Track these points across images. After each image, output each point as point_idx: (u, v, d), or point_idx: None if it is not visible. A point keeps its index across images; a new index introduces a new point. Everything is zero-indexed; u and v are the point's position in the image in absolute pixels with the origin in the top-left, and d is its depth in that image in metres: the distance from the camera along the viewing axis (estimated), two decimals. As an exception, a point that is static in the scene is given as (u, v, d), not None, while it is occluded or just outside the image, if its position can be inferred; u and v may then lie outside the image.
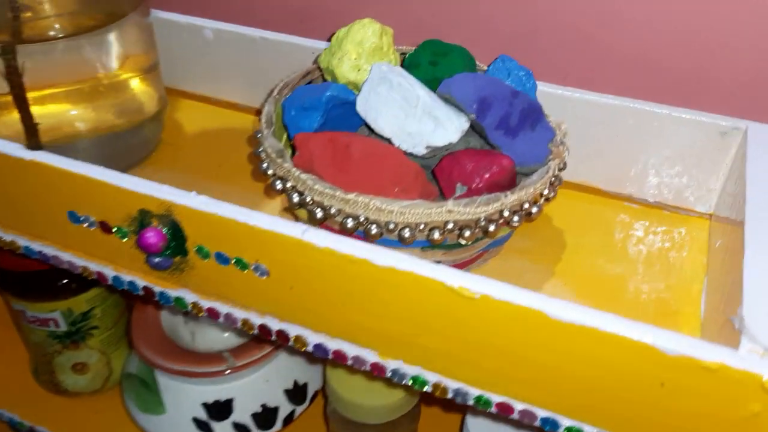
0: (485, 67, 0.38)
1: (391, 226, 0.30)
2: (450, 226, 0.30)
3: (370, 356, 0.31)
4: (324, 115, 0.33)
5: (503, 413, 0.29)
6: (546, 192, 0.32)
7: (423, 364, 0.30)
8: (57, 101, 0.41)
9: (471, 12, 0.46)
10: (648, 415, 0.25)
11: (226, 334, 0.50)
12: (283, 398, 0.47)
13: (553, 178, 0.33)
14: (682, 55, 0.42)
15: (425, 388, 0.30)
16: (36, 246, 0.38)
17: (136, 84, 0.44)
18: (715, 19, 0.40)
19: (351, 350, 0.31)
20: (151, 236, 0.31)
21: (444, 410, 0.52)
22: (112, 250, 0.35)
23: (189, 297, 0.35)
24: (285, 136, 0.36)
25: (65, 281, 0.48)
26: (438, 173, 0.32)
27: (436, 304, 0.27)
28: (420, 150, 0.32)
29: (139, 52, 0.43)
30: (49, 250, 0.38)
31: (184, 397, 0.45)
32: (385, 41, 0.34)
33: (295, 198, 0.31)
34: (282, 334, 0.33)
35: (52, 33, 0.40)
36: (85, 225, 0.34)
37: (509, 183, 0.31)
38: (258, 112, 0.50)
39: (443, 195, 0.32)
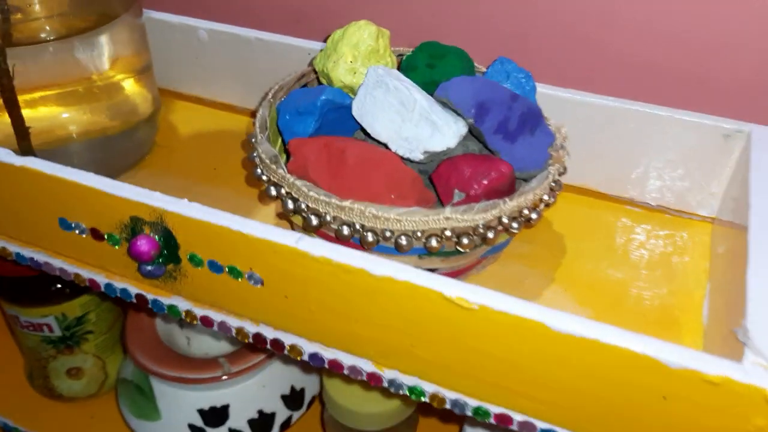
0: (484, 69, 0.37)
1: (388, 234, 0.29)
2: (448, 233, 0.29)
3: (367, 366, 0.31)
4: (319, 120, 0.32)
5: (502, 424, 0.29)
6: (546, 198, 0.32)
7: (420, 374, 0.29)
8: (48, 104, 0.40)
9: (470, 12, 0.46)
10: (649, 428, 0.25)
11: (222, 340, 0.49)
12: (280, 404, 0.47)
13: (552, 184, 0.32)
14: (684, 56, 0.41)
15: (423, 399, 0.30)
16: (27, 252, 0.37)
17: (129, 85, 0.43)
18: (717, 20, 0.40)
19: (347, 360, 0.31)
20: (143, 244, 0.31)
21: (442, 420, 0.51)
22: (104, 257, 0.34)
23: (182, 305, 0.34)
24: (280, 140, 0.35)
25: (59, 286, 0.47)
26: (435, 179, 0.31)
27: (433, 315, 0.27)
28: (417, 155, 0.31)
29: (131, 54, 0.42)
30: (41, 257, 0.37)
31: (180, 403, 0.45)
32: (381, 43, 0.34)
33: (290, 205, 0.31)
34: (277, 343, 0.32)
35: (42, 35, 0.39)
36: (77, 232, 0.34)
37: (508, 189, 0.31)
38: (253, 114, 0.49)
39: (441, 201, 0.32)
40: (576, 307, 0.34)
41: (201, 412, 0.45)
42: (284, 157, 0.36)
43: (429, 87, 0.33)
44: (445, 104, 0.32)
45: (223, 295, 0.32)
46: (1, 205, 0.36)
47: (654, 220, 0.40)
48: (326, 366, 0.32)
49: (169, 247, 0.31)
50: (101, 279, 0.36)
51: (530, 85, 0.35)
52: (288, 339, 0.32)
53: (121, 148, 0.44)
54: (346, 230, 0.30)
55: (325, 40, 0.36)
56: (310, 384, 0.49)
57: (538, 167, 0.32)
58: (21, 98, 0.37)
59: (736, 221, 0.34)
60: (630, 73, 0.43)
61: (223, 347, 0.48)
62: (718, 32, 0.40)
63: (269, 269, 0.29)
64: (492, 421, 0.29)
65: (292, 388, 0.47)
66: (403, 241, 0.29)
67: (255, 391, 0.46)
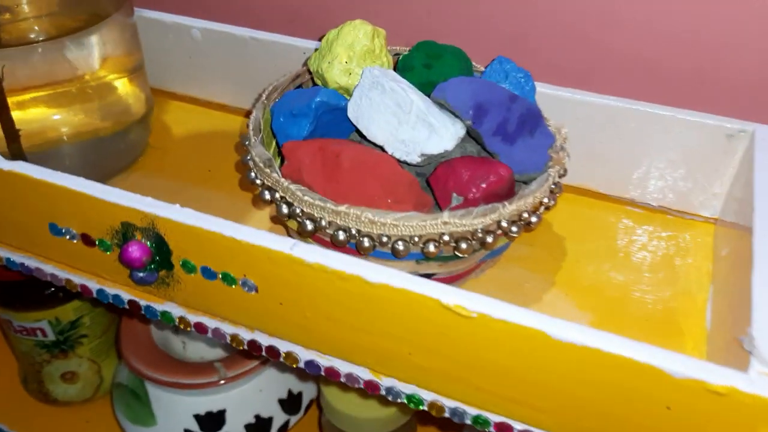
0: (482, 69, 0.36)
1: (384, 239, 0.29)
2: (446, 238, 0.29)
3: (364, 374, 0.30)
4: (313, 122, 0.31)
5: (502, 433, 0.28)
6: (546, 200, 0.31)
7: (419, 382, 0.29)
8: (39, 106, 0.39)
9: (468, 10, 0.45)
10: (653, 438, 0.24)
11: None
12: (277, 408, 0.46)
13: (553, 186, 0.31)
14: (686, 55, 0.41)
15: (421, 407, 0.29)
16: (18, 258, 0.37)
17: (121, 86, 0.42)
18: (720, 17, 0.39)
19: (344, 367, 0.30)
20: (134, 250, 0.30)
21: (440, 427, 0.50)
22: (96, 262, 0.34)
23: (176, 311, 0.33)
24: (274, 142, 0.34)
25: (52, 290, 0.47)
26: (433, 182, 0.31)
27: (431, 323, 0.26)
28: (414, 158, 0.31)
29: (122, 54, 0.42)
30: (32, 262, 0.36)
31: (176, 409, 0.44)
32: (377, 43, 0.33)
33: (284, 209, 0.30)
34: (272, 350, 0.32)
35: (32, 35, 0.38)
36: (67, 237, 0.33)
37: (507, 192, 0.30)
38: (248, 114, 0.48)
39: (438, 205, 0.31)
40: (577, 312, 0.34)
41: (197, 417, 0.44)
42: (278, 160, 0.35)
43: (426, 88, 0.32)
44: (442, 106, 0.31)
45: (217, 301, 0.31)
46: (-10, 210, 0.35)
47: (656, 221, 0.39)
48: (323, 374, 0.31)
49: (161, 253, 0.31)
50: (93, 285, 0.35)
51: (529, 85, 0.34)
52: (284, 346, 0.31)
53: (114, 150, 0.43)
54: (341, 235, 0.29)
55: (320, 40, 0.36)
56: (307, 388, 0.48)
57: (538, 169, 0.31)
58: (10, 100, 0.36)
59: (739, 223, 0.33)
60: (631, 71, 0.42)
61: (219, 351, 0.48)
62: (720, 30, 0.39)
63: (263, 276, 0.29)
64: (492, 430, 0.28)
65: (290, 392, 0.47)
66: (400, 246, 0.29)
67: (252, 395, 0.45)
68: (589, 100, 0.38)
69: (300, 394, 0.48)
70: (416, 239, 0.29)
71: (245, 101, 0.48)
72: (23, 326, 0.48)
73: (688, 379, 0.22)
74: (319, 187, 0.30)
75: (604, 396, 0.24)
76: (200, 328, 0.33)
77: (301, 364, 0.31)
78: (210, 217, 0.29)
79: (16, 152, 0.38)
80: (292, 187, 0.30)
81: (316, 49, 0.36)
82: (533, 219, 0.30)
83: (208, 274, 0.30)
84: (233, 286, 0.30)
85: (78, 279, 0.35)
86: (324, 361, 0.31)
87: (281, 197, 0.30)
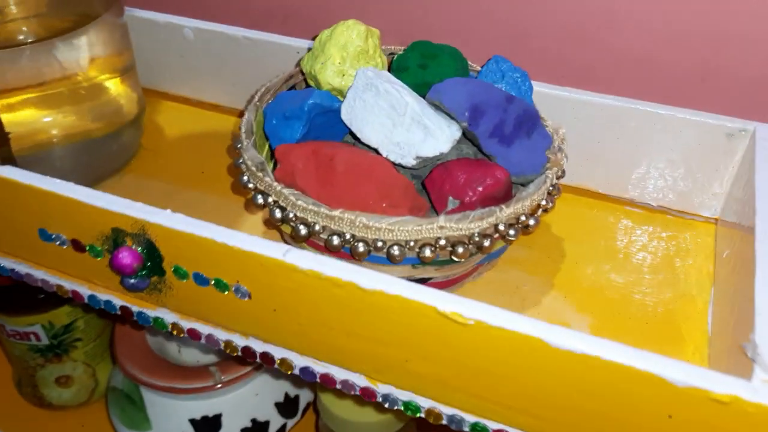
0: (478, 68, 0.36)
1: (380, 244, 0.28)
2: (442, 242, 0.28)
3: (360, 381, 0.30)
4: (306, 125, 0.31)
5: (500, 441, 0.27)
6: (544, 203, 0.31)
7: (416, 389, 0.28)
8: (28, 108, 0.39)
9: (464, 8, 0.44)
10: (654, 447, 0.24)
11: (214, 346, 0.48)
12: (274, 412, 0.46)
13: (551, 188, 0.31)
14: (686, 53, 0.40)
15: (418, 415, 0.29)
16: (8, 263, 0.36)
17: (112, 86, 0.42)
18: (719, 14, 0.38)
19: (339, 374, 0.30)
20: (125, 257, 0.29)
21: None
22: (87, 268, 0.33)
23: (168, 317, 0.33)
24: (267, 145, 0.34)
25: (45, 294, 0.46)
26: (429, 185, 0.30)
27: (427, 330, 0.25)
28: (409, 161, 0.30)
29: (113, 54, 0.41)
30: (22, 268, 0.36)
31: (171, 413, 0.44)
32: (370, 44, 0.32)
33: (278, 214, 0.30)
34: (266, 357, 0.31)
35: (20, 37, 0.37)
36: (57, 243, 0.32)
37: (504, 195, 0.29)
38: (241, 114, 0.48)
39: (434, 208, 0.31)
40: (576, 315, 0.33)
41: (193, 421, 0.44)
42: (272, 163, 0.34)
43: (421, 89, 0.32)
44: (437, 107, 0.30)
45: (209, 308, 0.31)
46: (-21, 215, 0.35)
47: (656, 222, 0.39)
48: (318, 380, 0.31)
49: (152, 259, 0.30)
50: (84, 290, 0.34)
51: (526, 85, 0.33)
52: (278, 352, 0.31)
53: (106, 152, 0.43)
54: (336, 240, 0.29)
55: (314, 39, 0.35)
56: (304, 391, 0.48)
57: (535, 171, 0.31)
58: (-1, 103, 0.35)
59: (740, 224, 0.33)
60: (630, 70, 0.42)
61: (215, 355, 0.47)
62: (720, 28, 0.39)
63: (256, 282, 0.28)
64: (490, 437, 0.28)
65: (286, 396, 0.46)
66: (396, 251, 0.28)
67: (248, 399, 0.45)
68: (587, 100, 0.38)
69: (297, 398, 0.47)
70: (412, 244, 0.28)
71: (238, 101, 0.48)
72: (16, 330, 0.47)
73: (690, 387, 0.22)
74: (313, 191, 0.29)
75: (604, 404, 0.24)
76: (193, 335, 0.33)
77: (296, 371, 0.31)
78: (201, 223, 0.28)
79: (5, 156, 0.37)
80: (285, 191, 0.29)
81: (309, 49, 0.35)
82: (531, 222, 0.30)
83: (201, 280, 0.29)
84: (226, 293, 0.29)
85: (69, 285, 0.35)
86: (319, 367, 0.30)
87: (274, 201, 0.30)
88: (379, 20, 0.46)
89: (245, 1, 0.50)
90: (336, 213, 0.28)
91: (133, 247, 0.30)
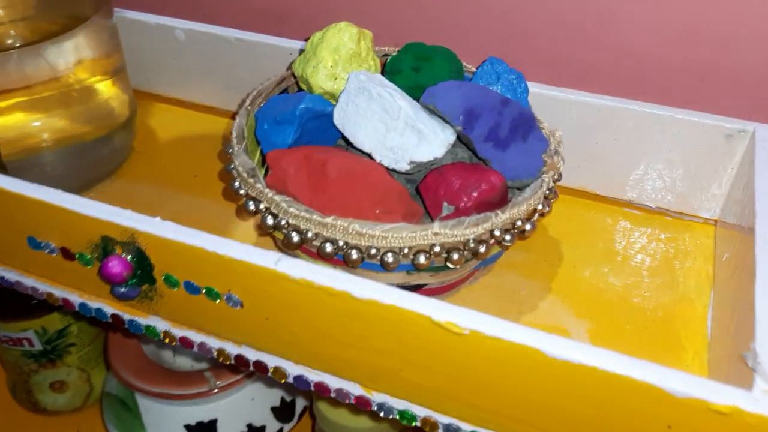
0: (474, 69, 0.35)
1: (373, 251, 0.28)
2: (437, 249, 0.28)
3: (355, 389, 0.29)
4: (298, 130, 0.30)
5: (497, 450, 0.27)
6: (540, 207, 0.30)
7: (411, 398, 0.28)
8: (17, 112, 0.38)
9: (458, 8, 0.43)
10: (654, 458, 0.23)
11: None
12: (270, 416, 0.45)
13: (547, 192, 0.30)
14: (684, 53, 0.39)
15: (414, 423, 0.28)
16: (-2, 271, 0.36)
17: (102, 89, 0.41)
18: (718, 14, 0.38)
19: (334, 382, 0.29)
20: (115, 265, 0.29)
21: None
22: (77, 276, 0.33)
23: (161, 325, 0.32)
24: (259, 150, 0.33)
25: (37, 299, 0.45)
26: (423, 190, 0.30)
27: (422, 339, 0.25)
28: (403, 166, 0.30)
29: (103, 57, 0.40)
30: (12, 275, 0.35)
31: (166, 419, 0.44)
32: (363, 46, 0.32)
33: (270, 221, 0.29)
34: (260, 365, 0.31)
35: (8, 41, 0.37)
36: (46, 251, 0.32)
37: (500, 201, 0.29)
38: (234, 116, 0.47)
39: (429, 214, 0.30)
40: (574, 320, 0.33)
41: (188, 427, 0.43)
42: (264, 168, 0.34)
43: (415, 91, 0.31)
44: (431, 111, 0.30)
45: (201, 316, 0.30)
46: (-33, 222, 0.34)
47: (654, 223, 0.38)
48: (312, 389, 0.30)
49: (142, 267, 0.29)
50: (75, 298, 0.34)
51: (522, 87, 0.33)
52: (272, 361, 0.30)
53: (97, 156, 0.42)
54: (329, 247, 0.28)
55: (307, 40, 0.34)
56: (300, 395, 0.48)
57: (531, 175, 0.30)
58: (-13, 107, 0.35)
59: (739, 226, 0.32)
60: (628, 70, 0.41)
61: (210, 360, 0.47)
62: (719, 27, 0.38)
63: (248, 291, 0.28)
64: (487, 446, 0.27)
65: (282, 400, 0.46)
66: (390, 258, 0.28)
67: (244, 404, 0.44)
68: (584, 100, 0.37)
69: (293, 402, 0.47)
70: (406, 251, 0.28)
71: (231, 103, 0.47)
72: (9, 336, 0.47)
73: (689, 398, 0.21)
74: (305, 198, 0.29)
75: (602, 414, 0.23)
76: (186, 343, 0.32)
77: (290, 380, 0.30)
78: (192, 231, 0.28)
79: (-6, 162, 0.37)
80: (277, 198, 0.29)
81: (301, 50, 0.35)
82: (527, 227, 0.29)
83: (192, 289, 0.29)
84: (217, 301, 0.29)
85: (59, 292, 0.34)
86: (313, 376, 0.30)
87: (266, 208, 0.29)
88: (373, 19, 0.45)
89: (237, 1, 0.50)
90: (328, 220, 0.27)
91: (123, 255, 0.29)
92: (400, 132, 0.29)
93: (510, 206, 0.28)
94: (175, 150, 0.45)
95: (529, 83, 0.35)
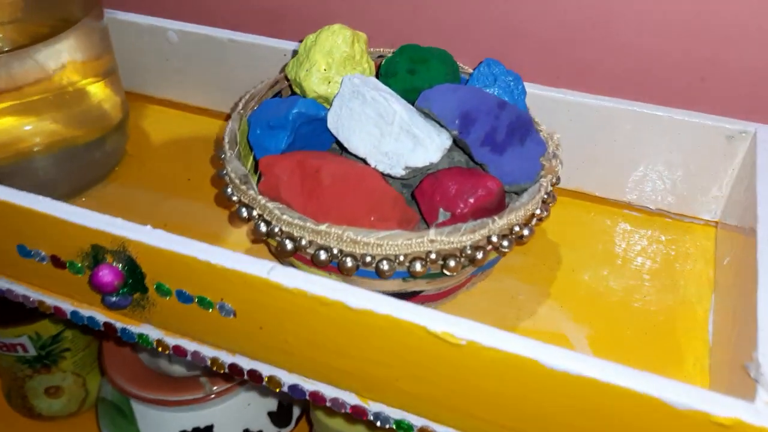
0: (470, 70, 0.35)
1: (368, 259, 0.27)
2: (433, 256, 0.27)
3: (350, 399, 0.29)
4: (291, 135, 0.30)
5: (495, 461, 0.27)
6: (538, 212, 0.30)
7: (408, 407, 0.28)
8: (8, 116, 0.38)
9: (455, 8, 0.43)
10: (654, 470, 0.23)
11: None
12: (267, 421, 0.45)
13: (545, 196, 0.30)
14: (684, 52, 0.39)
15: (410, 433, 0.28)
16: (-12, 278, 0.35)
17: (93, 91, 0.40)
18: (719, 12, 0.37)
19: (329, 392, 0.29)
20: (105, 275, 0.28)
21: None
22: (68, 284, 0.32)
23: (153, 334, 0.32)
24: (252, 155, 0.33)
25: (31, 305, 0.45)
26: (419, 196, 0.29)
27: (418, 349, 0.24)
28: (398, 171, 0.29)
29: (94, 59, 0.40)
30: (2, 283, 0.35)
31: (162, 425, 0.43)
32: (357, 49, 0.31)
33: (263, 228, 0.29)
34: (254, 374, 0.30)
35: (-2, 44, 0.36)
36: (36, 259, 0.31)
37: (497, 206, 0.28)
38: (228, 118, 0.46)
39: (425, 220, 0.29)
40: (573, 325, 0.32)
41: (184, 433, 0.43)
42: (257, 174, 0.33)
43: (410, 94, 0.31)
44: (427, 115, 0.29)
45: (194, 325, 0.30)
46: (-43, 229, 0.33)
47: (654, 225, 0.38)
48: (307, 398, 0.30)
49: (134, 276, 0.29)
50: (67, 306, 0.33)
51: (519, 89, 0.32)
52: (266, 370, 0.30)
53: (90, 160, 0.41)
54: (323, 255, 0.28)
55: (301, 42, 0.34)
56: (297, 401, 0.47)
57: (529, 180, 0.30)
58: (-24, 112, 0.34)
59: (741, 229, 0.32)
60: (627, 70, 0.41)
61: (205, 364, 0.46)
62: (719, 26, 0.37)
63: (241, 300, 0.27)
64: (485, 457, 0.27)
65: (279, 405, 0.46)
66: (385, 266, 0.27)
67: (240, 409, 0.44)
68: (582, 101, 0.36)
69: (290, 407, 0.46)
70: (401, 258, 0.27)
71: (225, 104, 0.47)
72: (3, 342, 0.46)
73: (690, 410, 0.21)
74: (299, 205, 0.28)
75: (602, 426, 0.23)
76: (179, 351, 0.32)
77: (285, 389, 0.30)
78: (183, 240, 0.27)
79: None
80: (270, 205, 0.28)
81: (294, 52, 0.34)
82: (525, 232, 0.29)
83: (184, 297, 0.28)
84: (210, 311, 0.28)
85: (51, 300, 0.34)
86: (309, 385, 0.29)
87: (259, 215, 0.29)
88: (368, 20, 0.45)
89: (230, 2, 0.49)
90: (322, 227, 0.27)
91: (114, 264, 0.29)
92: (395, 137, 0.29)
93: (507, 212, 0.28)
94: (168, 153, 0.44)
95: (526, 84, 0.34)
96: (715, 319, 0.32)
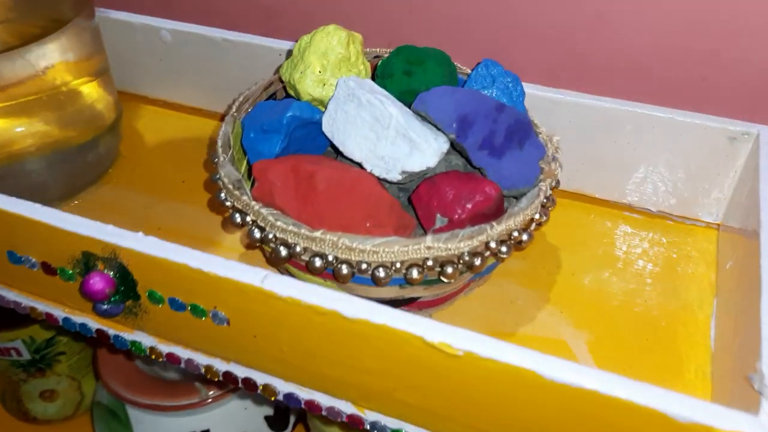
0: (468, 71, 0.34)
1: (364, 266, 0.27)
2: (430, 263, 0.27)
3: (346, 408, 0.28)
4: (286, 138, 0.29)
5: (494, 471, 0.26)
6: (537, 217, 0.29)
7: (404, 417, 0.27)
8: (-1, 118, 0.37)
9: (452, 8, 0.42)
10: (656, 483, 0.23)
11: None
12: (264, 426, 0.44)
13: (544, 201, 0.29)
14: (686, 53, 0.38)
15: (408, 443, 0.27)
16: (-22, 284, 0.35)
17: (86, 91, 0.40)
18: (721, 12, 0.36)
19: (325, 401, 0.29)
20: (96, 282, 0.28)
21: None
22: (59, 291, 0.32)
23: (146, 341, 0.31)
24: (246, 159, 0.32)
25: (24, 309, 0.44)
26: (416, 201, 0.29)
27: (414, 359, 0.24)
28: (395, 176, 0.28)
29: (85, 59, 0.39)
30: (-7, 289, 0.34)
31: (158, 430, 0.43)
32: (352, 50, 0.30)
33: (257, 234, 0.28)
34: (249, 383, 0.30)
35: (-12, 45, 0.36)
36: (27, 266, 0.31)
37: (495, 212, 0.28)
38: (222, 118, 0.46)
39: (422, 225, 0.29)
40: (572, 331, 0.32)
41: (180, 438, 0.42)
42: (251, 179, 0.33)
43: (407, 96, 0.30)
44: (423, 118, 0.29)
45: (188, 332, 0.29)
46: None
47: (655, 227, 0.37)
48: (303, 407, 0.29)
49: (125, 283, 0.28)
50: (59, 313, 0.33)
51: (518, 90, 0.32)
52: (261, 378, 0.30)
53: (83, 161, 0.41)
54: (318, 262, 0.27)
55: (297, 41, 0.33)
56: (294, 403, 0.47)
57: (528, 184, 0.29)
58: (-33, 114, 0.34)
59: (744, 231, 0.31)
60: (627, 71, 0.40)
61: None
62: (721, 26, 0.37)
63: (234, 308, 0.27)
64: (483, 467, 0.26)
65: (277, 409, 0.45)
66: (381, 273, 0.26)
67: (237, 413, 0.43)
68: (583, 102, 0.36)
69: (287, 411, 0.46)
70: (398, 265, 0.27)
71: (220, 104, 0.46)
72: (-4, 346, 0.46)
73: (692, 423, 0.21)
74: (293, 211, 0.28)
75: (602, 438, 0.23)
76: (173, 359, 0.31)
77: (280, 397, 0.29)
78: (175, 247, 0.26)
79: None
80: (264, 211, 0.27)
81: (289, 52, 0.34)
82: (524, 237, 0.28)
83: (177, 305, 0.28)
84: (203, 319, 0.28)
85: (42, 307, 0.33)
86: (304, 394, 0.29)
87: (253, 221, 0.28)
88: (365, 19, 0.44)
89: (224, 1, 0.48)
90: (317, 234, 0.26)
91: (105, 271, 0.28)
92: (391, 141, 0.28)
93: (506, 217, 0.27)
94: (162, 154, 0.44)
95: (525, 84, 0.34)
96: (717, 326, 0.31)
